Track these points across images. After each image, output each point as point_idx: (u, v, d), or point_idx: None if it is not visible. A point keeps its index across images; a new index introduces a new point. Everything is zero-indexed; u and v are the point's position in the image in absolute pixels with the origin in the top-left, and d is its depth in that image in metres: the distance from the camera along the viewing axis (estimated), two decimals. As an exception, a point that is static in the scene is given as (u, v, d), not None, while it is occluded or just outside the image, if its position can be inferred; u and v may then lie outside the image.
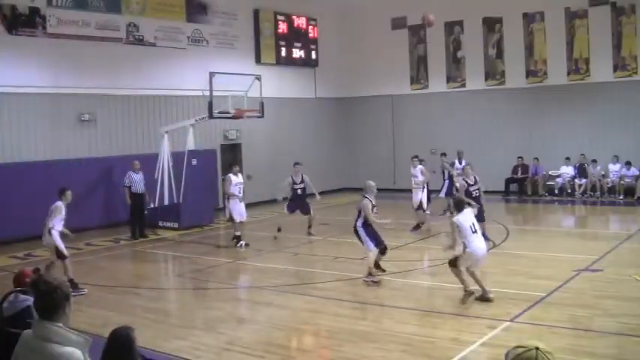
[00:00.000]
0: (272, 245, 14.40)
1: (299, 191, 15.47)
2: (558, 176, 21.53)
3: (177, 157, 17.58)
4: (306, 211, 15.53)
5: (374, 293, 9.90)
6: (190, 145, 17.72)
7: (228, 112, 17.37)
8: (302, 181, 15.49)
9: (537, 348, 2.67)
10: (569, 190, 21.01)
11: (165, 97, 19.39)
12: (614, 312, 8.33)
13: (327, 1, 24.36)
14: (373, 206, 10.41)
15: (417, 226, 15.38)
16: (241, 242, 14.26)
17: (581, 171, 21.10)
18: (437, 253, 11.78)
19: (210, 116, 17.16)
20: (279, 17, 23.09)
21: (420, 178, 15.35)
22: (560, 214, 19.58)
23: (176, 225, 16.86)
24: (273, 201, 17.33)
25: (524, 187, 22.15)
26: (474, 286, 9.01)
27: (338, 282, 10.72)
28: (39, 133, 16.53)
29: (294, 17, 23.62)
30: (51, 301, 3.42)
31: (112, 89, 17.57)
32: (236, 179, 14.44)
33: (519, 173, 22.18)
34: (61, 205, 10.68)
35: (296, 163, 15.71)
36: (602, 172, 20.82)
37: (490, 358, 6.90)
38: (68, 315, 3.50)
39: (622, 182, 20.30)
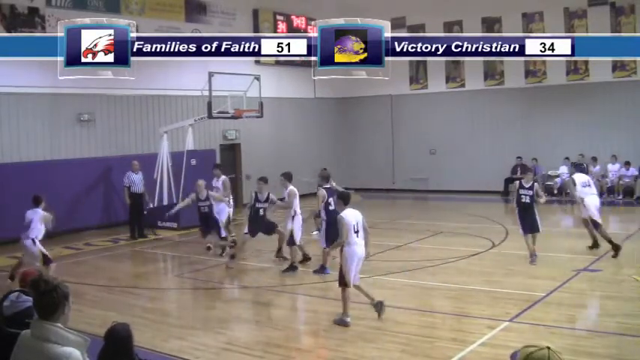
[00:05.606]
0: (271, 245, 14.34)
1: (261, 211, 12.23)
2: (557, 176, 21.51)
3: (176, 157, 17.57)
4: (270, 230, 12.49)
5: (373, 293, 9.87)
6: (189, 145, 17.72)
7: (227, 112, 17.36)
8: (266, 200, 12.27)
9: (549, 347, 2.68)
10: (568, 190, 20.99)
11: (165, 97, 19.37)
12: (614, 312, 8.33)
13: (326, 1, 24.33)
14: None
15: (292, 266, 11.69)
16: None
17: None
18: (436, 253, 11.78)
19: (210, 116, 17.13)
20: (279, 17, 23.07)
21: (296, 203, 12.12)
22: (559, 214, 19.55)
23: (175, 225, 16.83)
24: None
25: (523, 187, 22.15)
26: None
27: (337, 282, 10.68)
28: (38, 133, 16.50)
29: (293, 17, 23.60)
30: (50, 300, 3.41)
31: (111, 89, 17.52)
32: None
33: (518, 173, 22.16)
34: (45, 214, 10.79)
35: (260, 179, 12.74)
36: (601, 172, 20.82)
37: (489, 358, 6.89)
38: (67, 315, 3.49)
39: (621, 182, 20.32)
